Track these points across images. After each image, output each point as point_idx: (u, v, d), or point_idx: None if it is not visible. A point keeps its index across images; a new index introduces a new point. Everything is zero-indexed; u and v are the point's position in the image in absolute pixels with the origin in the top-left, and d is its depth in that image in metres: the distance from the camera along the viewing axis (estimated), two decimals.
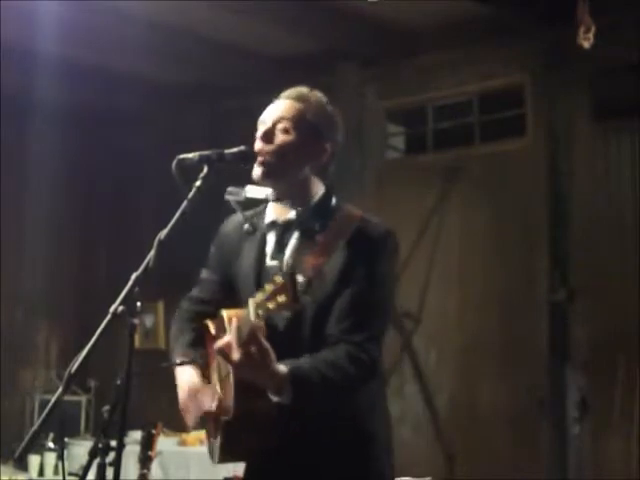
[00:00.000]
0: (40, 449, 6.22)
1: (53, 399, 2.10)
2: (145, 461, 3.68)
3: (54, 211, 7.83)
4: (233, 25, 6.20)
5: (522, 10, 5.75)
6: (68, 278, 7.98)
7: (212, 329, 2.46)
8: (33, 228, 7.75)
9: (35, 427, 2.10)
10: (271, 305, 1.99)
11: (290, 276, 1.98)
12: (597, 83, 5.87)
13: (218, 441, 2.34)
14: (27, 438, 2.11)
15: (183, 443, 6.01)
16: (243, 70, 6.79)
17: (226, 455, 2.37)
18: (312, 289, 2.07)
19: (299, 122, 2.41)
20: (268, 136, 2.41)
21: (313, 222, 2.38)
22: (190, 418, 2.47)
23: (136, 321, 2.14)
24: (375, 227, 2.38)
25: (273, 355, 2.12)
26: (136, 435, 4.08)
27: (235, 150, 2.39)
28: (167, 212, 2.29)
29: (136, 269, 2.19)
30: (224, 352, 2.14)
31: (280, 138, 2.40)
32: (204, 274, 2.65)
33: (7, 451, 6.09)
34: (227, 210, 2.53)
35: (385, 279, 2.37)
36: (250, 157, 2.41)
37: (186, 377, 2.49)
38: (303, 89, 2.48)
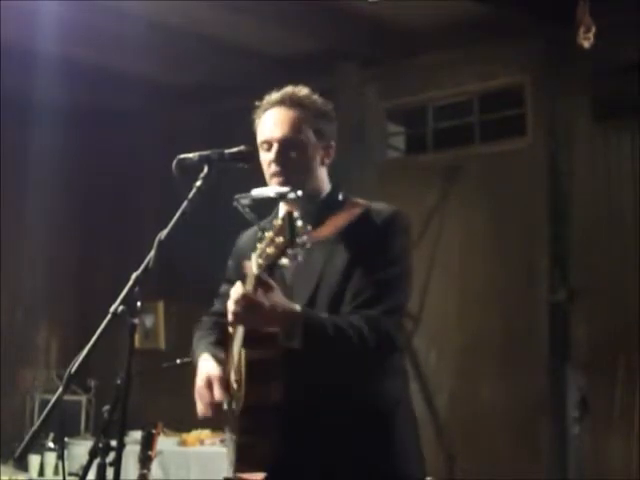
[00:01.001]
0: (40, 449, 6.22)
1: (53, 399, 2.10)
2: (145, 461, 3.69)
3: (54, 211, 7.83)
4: (233, 25, 6.20)
5: (522, 10, 5.74)
6: (68, 278, 7.97)
7: (232, 331, 2.46)
8: (33, 228, 7.74)
9: (35, 427, 2.10)
10: (270, 249, 1.99)
11: (288, 215, 1.98)
12: (597, 83, 5.87)
13: (235, 446, 2.32)
14: (27, 438, 2.11)
15: (183, 443, 6.01)
16: (243, 70, 6.79)
17: (242, 463, 2.33)
18: (314, 250, 2.07)
19: (304, 133, 2.44)
20: (280, 158, 2.42)
21: (321, 216, 2.40)
22: (200, 407, 2.45)
23: (136, 321, 2.14)
24: (383, 208, 2.43)
25: (282, 295, 2.12)
26: (136, 435, 4.09)
27: (235, 150, 2.39)
28: (167, 212, 2.30)
29: (136, 269, 2.19)
30: (231, 302, 2.13)
31: (292, 159, 2.42)
32: (223, 288, 2.65)
33: (7, 451, 6.09)
34: (228, 211, 2.53)
35: (398, 256, 2.38)
36: (250, 157, 2.41)
37: (206, 366, 2.47)
38: (292, 91, 2.50)
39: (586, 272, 5.82)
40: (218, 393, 2.38)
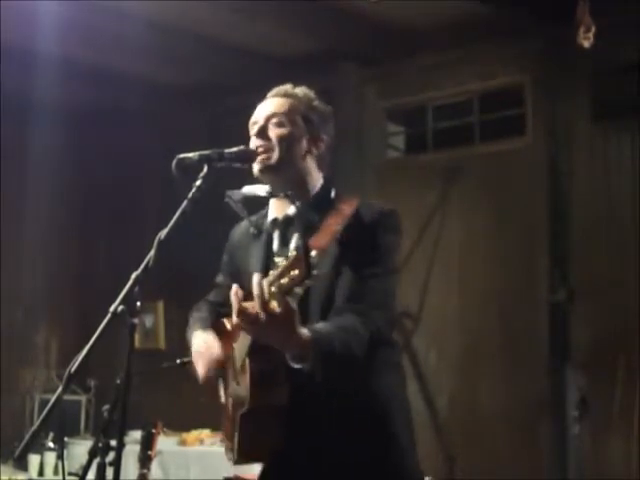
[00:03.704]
0: (40, 449, 6.23)
1: (53, 399, 2.10)
2: (145, 461, 3.69)
3: (54, 211, 7.83)
4: (233, 25, 6.20)
5: (522, 10, 5.75)
6: (68, 278, 7.97)
7: (228, 326, 2.48)
8: (33, 228, 7.74)
9: (35, 427, 2.10)
10: (284, 280, 1.98)
11: (304, 249, 1.97)
12: (597, 83, 5.87)
13: (235, 441, 2.34)
14: (27, 438, 2.11)
15: (183, 443, 6.01)
16: (243, 70, 6.78)
17: (242, 456, 2.36)
18: (320, 266, 2.04)
19: (292, 115, 2.45)
20: (263, 132, 2.44)
21: (313, 215, 2.39)
22: (201, 367, 2.46)
23: (136, 321, 2.14)
24: (375, 205, 2.43)
25: (298, 317, 2.09)
26: (136, 434, 4.09)
27: (235, 149, 2.40)
28: (167, 212, 2.30)
29: (136, 269, 2.19)
30: (247, 314, 2.08)
31: (276, 132, 2.43)
32: (219, 279, 2.70)
33: (7, 451, 6.09)
34: (228, 211, 2.53)
35: (387, 252, 2.39)
36: (250, 156, 2.42)
37: (204, 336, 2.50)
38: (288, 86, 2.52)
39: (586, 272, 5.82)
40: (217, 352, 2.41)
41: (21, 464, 6.17)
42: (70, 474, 2.33)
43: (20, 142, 7.44)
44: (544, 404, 5.84)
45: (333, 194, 2.48)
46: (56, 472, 6.25)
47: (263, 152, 2.42)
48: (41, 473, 6.33)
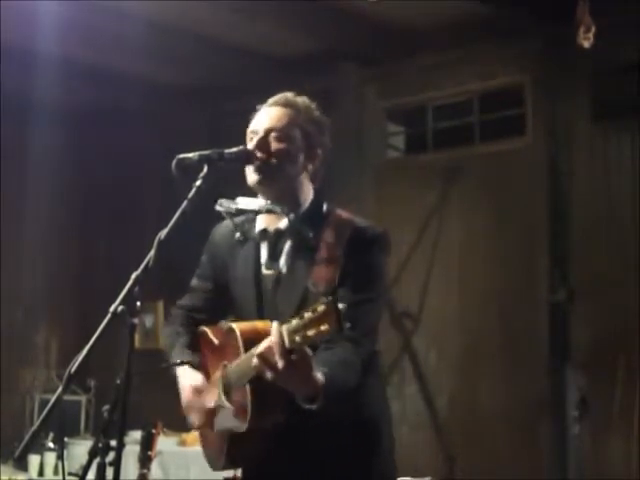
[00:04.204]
0: (40, 449, 6.22)
1: (53, 399, 2.10)
2: (145, 461, 3.68)
3: (54, 211, 7.83)
4: (233, 25, 6.20)
5: (522, 10, 5.74)
6: (68, 278, 7.97)
7: (212, 337, 2.48)
8: (33, 228, 7.74)
9: (35, 427, 2.10)
10: (311, 332, 1.95)
11: (335, 305, 1.94)
12: (597, 83, 5.87)
13: (222, 450, 2.36)
14: (27, 438, 2.11)
15: (183, 443, 6.01)
16: (243, 70, 6.79)
17: (230, 463, 2.41)
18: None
19: (290, 130, 2.45)
20: (262, 145, 2.43)
21: (305, 229, 2.40)
22: (195, 417, 2.48)
23: (136, 321, 2.14)
24: (369, 230, 2.43)
25: (313, 364, 2.10)
26: (136, 435, 4.08)
27: (235, 150, 2.40)
28: (167, 212, 2.29)
29: (136, 269, 2.19)
30: (266, 357, 2.06)
31: (274, 146, 2.43)
32: (195, 282, 2.66)
33: (7, 451, 6.09)
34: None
35: (381, 276, 2.43)
36: (250, 157, 2.42)
37: (189, 377, 2.51)
38: (289, 95, 2.51)
39: (586, 272, 5.82)
40: (209, 400, 2.42)
41: (21, 464, 6.16)
42: (70, 474, 2.32)
43: (20, 142, 7.44)
44: (544, 404, 5.84)
45: (325, 208, 2.49)
46: (56, 472, 6.24)
47: (257, 163, 2.42)
48: (41, 473, 6.32)
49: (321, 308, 1.94)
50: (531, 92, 6.20)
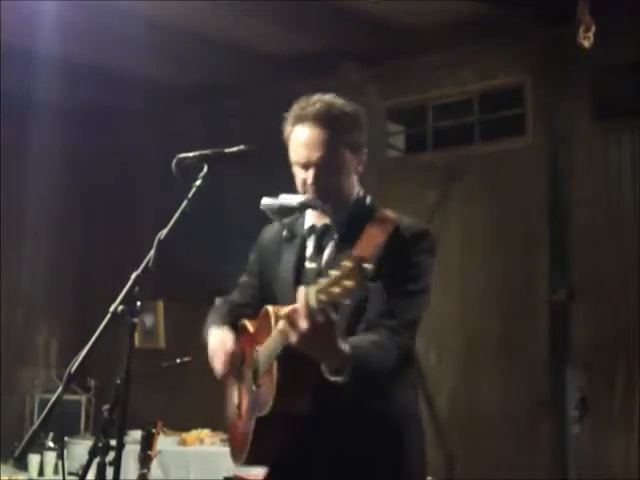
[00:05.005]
0: (40, 448, 6.23)
1: (53, 398, 2.10)
2: (145, 460, 3.69)
3: (54, 211, 7.83)
4: (234, 24, 6.20)
5: (522, 10, 5.74)
6: (68, 278, 7.98)
7: (250, 327, 2.48)
8: (33, 228, 7.75)
9: (35, 426, 2.10)
10: (336, 289, 1.95)
11: (359, 261, 1.95)
12: (597, 83, 5.87)
13: (248, 442, 2.35)
14: (27, 437, 2.11)
15: (183, 442, 6.01)
16: (243, 70, 6.78)
17: (251, 457, 2.39)
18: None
19: (339, 154, 2.42)
20: (317, 182, 2.41)
21: (351, 224, 2.40)
22: (218, 363, 2.48)
23: (136, 321, 2.14)
24: (413, 225, 2.43)
25: (338, 331, 2.09)
26: (136, 434, 4.08)
27: (235, 149, 2.40)
28: (167, 211, 2.30)
29: (136, 269, 2.19)
30: (291, 318, 2.06)
31: (327, 180, 2.41)
32: (243, 278, 2.69)
33: (7, 451, 6.10)
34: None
35: (424, 271, 2.42)
36: (250, 156, 2.42)
37: (216, 331, 2.53)
38: (322, 107, 2.46)
39: (586, 272, 5.82)
40: (231, 345, 2.44)
41: (21, 464, 6.17)
42: (70, 474, 2.34)
43: (20, 142, 7.45)
44: (544, 404, 5.84)
45: (369, 201, 2.50)
46: (56, 472, 6.25)
47: (314, 192, 2.42)
48: (41, 473, 6.33)
49: (346, 265, 1.94)
50: (531, 92, 6.19)
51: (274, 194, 2.48)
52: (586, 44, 4.56)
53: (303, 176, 2.43)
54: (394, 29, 6.30)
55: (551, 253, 5.95)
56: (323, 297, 1.97)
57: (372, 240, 2.27)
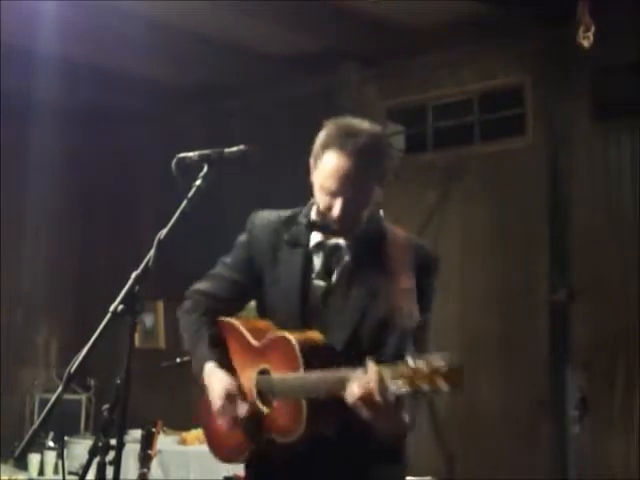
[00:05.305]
0: (40, 448, 6.24)
1: (53, 398, 2.10)
2: (145, 460, 3.69)
3: (54, 211, 7.84)
4: (234, 24, 6.20)
5: (522, 10, 5.75)
6: (68, 278, 7.98)
7: (246, 333, 2.43)
8: (33, 228, 7.75)
9: (35, 426, 2.10)
10: (424, 385, 1.97)
11: (462, 368, 1.99)
12: (597, 83, 5.87)
13: (245, 448, 2.38)
14: (27, 437, 2.11)
15: (183, 442, 6.01)
16: (243, 70, 6.78)
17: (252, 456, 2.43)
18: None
19: (369, 190, 2.36)
20: (344, 215, 2.34)
21: (363, 245, 2.39)
22: (224, 422, 2.42)
23: (136, 320, 2.14)
24: (428, 252, 2.51)
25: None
26: (136, 434, 4.08)
27: (235, 149, 2.39)
28: (167, 211, 2.30)
29: (136, 269, 2.19)
30: (371, 399, 2.08)
31: (355, 212, 2.36)
32: (223, 271, 2.55)
33: (7, 450, 6.10)
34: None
35: (434, 298, 2.52)
36: (250, 156, 2.41)
37: (219, 380, 2.40)
38: (367, 138, 2.37)
39: (586, 272, 5.82)
40: (242, 408, 2.37)
41: (21, 463, 6.17)
42: (70, 473, 2.34)
43: (20, 142, 7.45)
44: (544, 404, 5.84)
45: (378, 217, 2.47)
46: (56, 471, 6.26)
47: (339, 225, 2.36)
48: (41, 472, 6.33)
49: (440, 364, 2.00)
50: (531, 92, 6.20)
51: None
52: (586, 44, 4.56)
53: (328, 203, 2.34)
54: (394, 29, 6.30)
55: (551, 253, 5.96)
56: (403, 387, 2.00)
57: (391, 258, 2.34)
